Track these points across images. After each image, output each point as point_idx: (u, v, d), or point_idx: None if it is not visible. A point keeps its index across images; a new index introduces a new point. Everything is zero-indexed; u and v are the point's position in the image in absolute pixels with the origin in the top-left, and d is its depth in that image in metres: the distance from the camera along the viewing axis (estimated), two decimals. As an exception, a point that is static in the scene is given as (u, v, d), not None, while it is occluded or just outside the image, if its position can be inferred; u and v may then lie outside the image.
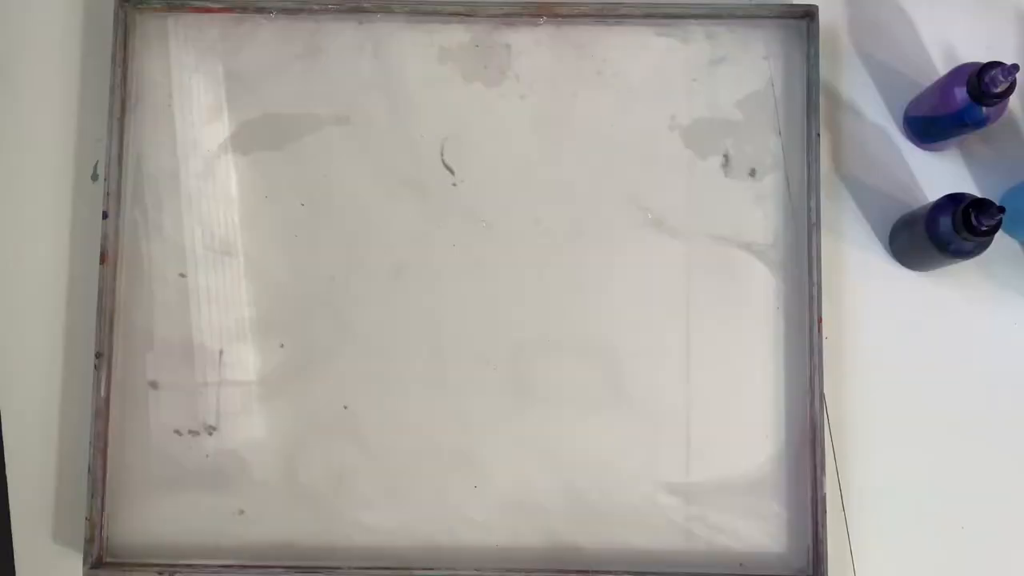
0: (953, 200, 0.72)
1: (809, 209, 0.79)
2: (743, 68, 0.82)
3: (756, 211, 0.80)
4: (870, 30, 0.83)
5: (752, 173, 0.81)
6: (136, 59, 0.82)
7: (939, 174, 0.81)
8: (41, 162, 0.83)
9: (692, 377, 0.79)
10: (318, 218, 0.81)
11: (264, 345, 0.80)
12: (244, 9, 0.82)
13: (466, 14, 0.82)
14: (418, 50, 0.83)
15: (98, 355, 0.78)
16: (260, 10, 0.82)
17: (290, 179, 0.81)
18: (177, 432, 0.80)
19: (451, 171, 0.81)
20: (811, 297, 0.78)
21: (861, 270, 0.81)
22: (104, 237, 0.79)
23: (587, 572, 0.76)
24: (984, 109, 0.72)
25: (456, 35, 0.83)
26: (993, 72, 0.69)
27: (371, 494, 0.79)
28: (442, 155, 0.82)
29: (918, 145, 0.82)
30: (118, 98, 0.80)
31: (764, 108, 0.82)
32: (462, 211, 0.81)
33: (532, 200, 0.81)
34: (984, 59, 0.71)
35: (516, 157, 0.81)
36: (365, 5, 0.81)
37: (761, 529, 0.78)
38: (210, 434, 0.80)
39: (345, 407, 0.80)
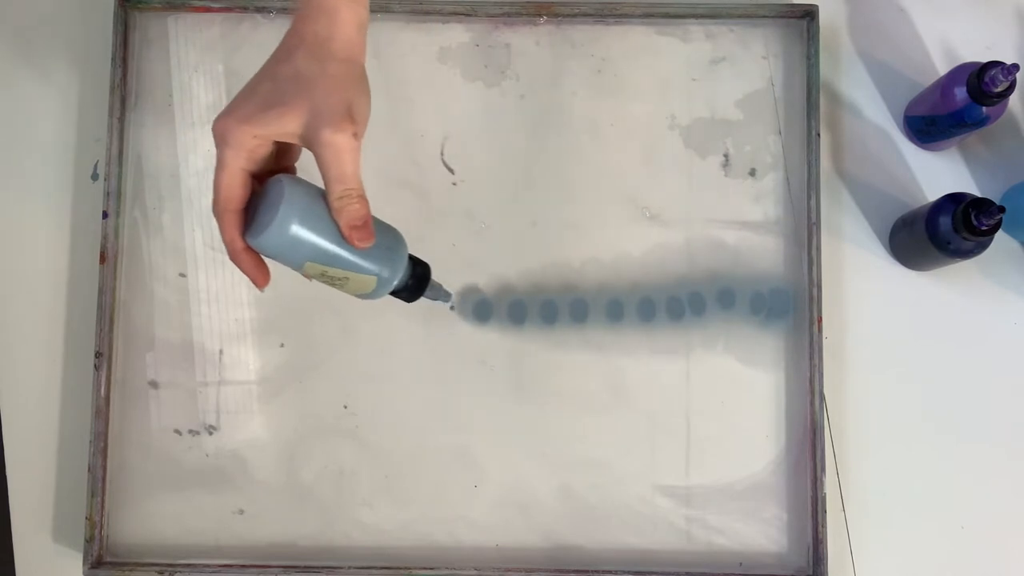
0: (953, 200, 0.72)
1: (809, 209, 0.79)
2: (743, 68, 0.82)
3: (756, 210, 0.80)
4: (870, 30, 0.83)
5: (752, 173, 0.81)
6: (136, 59, 0.82)
7: (939, 174, 0.81)
8: (41, 162, 0.83)
9: (692, 378, 0.79)
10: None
11: (264, 345, 0.80)
12: (244, 9, 0.82)
13: (466, 14, 0.82)
14: (418, 50, 0.83)
15: (98, 355, 0.78)
16: (260, 10, 0.82)
17: (290, 179, 0.81)
18: (177, 432, 0.80)
19: (451, 171, 0.82)
20: (811, 297, 0.78)
21: (861, 270, 0.81)
22: (104, 237, 0.79)
23: (587, 572, 0.76)
24: (984, 109, 0.72)
25: (456, 35, 0.83)
26: (993, 72, 0.69)
27: (371, 494, 0.79)
28: (442, 155, 0.82)
29: (918, 145, 0.82)
30: (118, 98, 0.80)
31: (764, 108, 0.82)
32: (462, 211, 0.81)
33: (531, 200, 0.81)
34: (984, 59, 0.71)
35: (516, 157, 0.81)
36: (365, 5, 0.81)
37: (761, 530, 0.78)
38: (210, 434, 0.80)
39: (345, 407, 0.80)
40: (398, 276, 0.59)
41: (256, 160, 0.54)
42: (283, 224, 0.53)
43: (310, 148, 0.54)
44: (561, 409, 0.79)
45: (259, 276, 0.57)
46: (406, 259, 0.59)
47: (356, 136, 0.53)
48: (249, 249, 0.56)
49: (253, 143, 0.53)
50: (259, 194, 0.56)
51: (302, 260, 0.55)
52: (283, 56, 0.55)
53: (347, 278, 0.57)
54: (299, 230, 0.54)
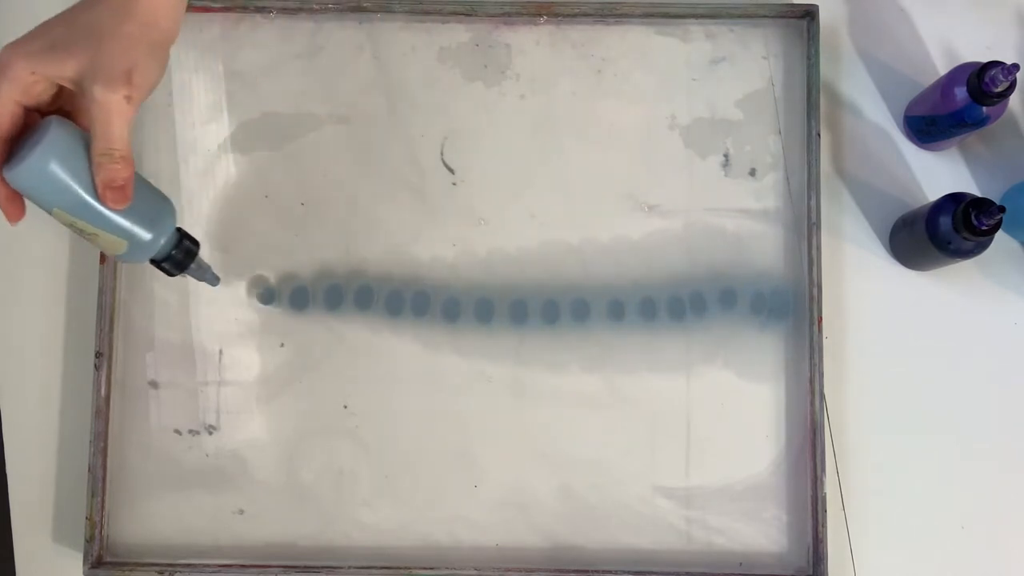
0: (953, 200, 0.72)
1: (809, 208, 0.79)
2: (743, 68, 0.82)
3: (756, 210, 0.80)
4: (870, 30, 0.83)
5: (752, 173, 0.81)
6: (136, 59, 0.82)
7: (939, 174, 0.81)
8: (41, 162, 0.83)
9: (692, 378, 0.79)
10: (318, 218, 0.81)
11: (264, 345, 0.80)
12: (244, 9, 0.82)
13: (466, 14, 0.82)
14: (418, 50, 0.83)
15: (98, 355, 0.78)
16: (260, 10, 0.82)
17: (290, 179, 0.81)
18: (177, 432, 0.80)
19: (451, 170, 0.82)
20: (811, 297, 0.78)
21: (861, 270, 0.81)
22: (104, 237, 0.79)
23: (587, 572, 0.76)
24: (984, 109, 0.72)
25: (456, 35, 0.83)
26: (993, 72, 0.69)
27: (371, 494, 0.79)
28: (442, 155, 0.82)
29: (918, 145, 0.82)
30: (118, 98, 0.80)
31: (764, 108, 0.82)
32: (462, 210, 0.81)
33: (531, 200, 0.81)
34: (984, 59, 0.71)
35: (516, 157, 0.81)
36: (365, 5, 0.81)
37: (761, 530, 0.78)
38: (210, 434, 0.80)
39: (345, 407, 0.80)
40: (157, 246, 0.59)
41: (32, 96, 0.55)
42: (38, 162, 0.54)
43: (83, 100, 0.54)
44: (561, 409, 0.79)
45: (11, 210, 0.57)
46: (170, 231, 0.60)
47: (129, 100, 0.54)
48: (4, 182, 0.55)
49: (30, 79, 0.54)
50: (31, 131, 0.56)
51: (52, 204, 0.56)
52: (86, 5, 0.56)
53: (96, 234, 0.57)
54: (54, 173, 0.54)
